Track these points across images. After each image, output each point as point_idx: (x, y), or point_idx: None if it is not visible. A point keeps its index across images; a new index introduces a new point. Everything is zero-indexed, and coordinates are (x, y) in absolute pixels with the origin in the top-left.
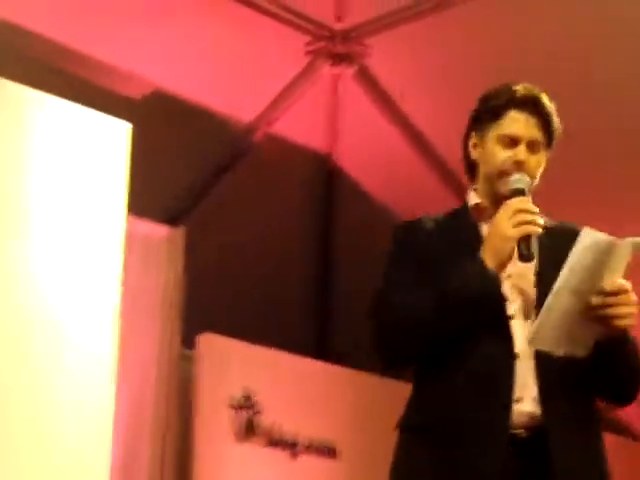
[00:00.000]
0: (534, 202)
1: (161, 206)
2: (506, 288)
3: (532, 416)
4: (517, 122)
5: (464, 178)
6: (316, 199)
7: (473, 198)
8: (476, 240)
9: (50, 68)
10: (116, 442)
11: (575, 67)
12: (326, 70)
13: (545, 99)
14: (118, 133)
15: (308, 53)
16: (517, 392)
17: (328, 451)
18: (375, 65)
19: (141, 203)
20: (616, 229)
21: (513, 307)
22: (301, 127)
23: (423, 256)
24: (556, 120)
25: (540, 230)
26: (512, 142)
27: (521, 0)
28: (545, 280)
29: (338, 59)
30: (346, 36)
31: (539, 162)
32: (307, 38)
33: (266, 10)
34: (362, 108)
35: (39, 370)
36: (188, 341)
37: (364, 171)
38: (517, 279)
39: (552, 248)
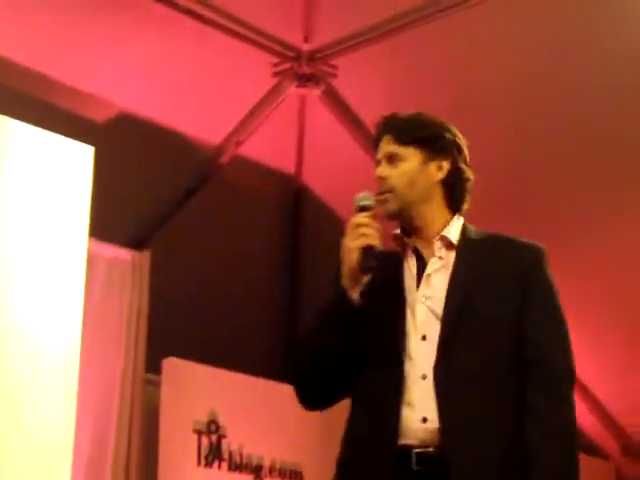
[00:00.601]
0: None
1: (127, 230)
2: (421, 311)
3: (437, 434)
4: (378, 147)
5: None
6: (284, 220)
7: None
8: (393, 282)
9: (12, 91)
10: (79, 467)
11: (535, 84)
12: (293, 91)
13: (399, 115)
14: (81, 156)
15: (275, 74)
16: (424, 412)
17: (294, 475)
18: (342, 85)
19: (106, 227)
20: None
21: (426, 329)
22: (268, 148)
23: None
24: (421, 126)
25: (376, 243)
26: (378, 164)
27: (486, 19)
28: (454, 299)
29: (305, 80)
30: (312, 57)
31: (404, 171)
32: (274, 59)
33: (233, 31)
34: (329, 128)
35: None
36: (153, 365)
37: (331, 191)
38: (432, 301)
39: (468, 264)
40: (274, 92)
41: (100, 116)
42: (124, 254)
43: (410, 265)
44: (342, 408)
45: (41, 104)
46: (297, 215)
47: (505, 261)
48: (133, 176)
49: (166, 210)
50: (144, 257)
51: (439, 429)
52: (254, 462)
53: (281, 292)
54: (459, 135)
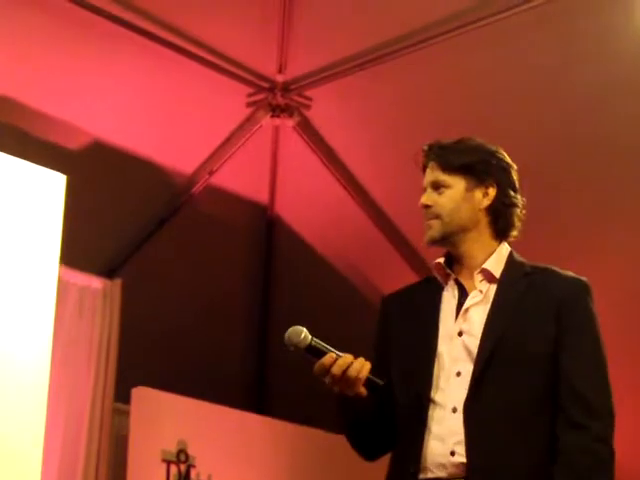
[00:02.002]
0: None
1: (98, 258)
2: (456, 347)
3: (464, 467)
4: (424, 175)
5: (404, 229)
6: (256, 250)
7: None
8: (431, 311)
9: None
10: None
11: (517, 115)
12: (267, 121)
13: (443, 142)
14: (53, 184)
15: (249, 104)
16: (452, 446)
17: None
18: (315, 116)
19: (78, 255)
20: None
21: (460, 365)
22: (242, 178)
23: (388, 340)
24: (465, 153)
25: (359, 383)
26: (424, 192)
27: (460, 52)
28: (489, 336)
29: (279, 110)
30: (287, 88)
31: (450, 197)
32: (248, 89)
33: (208, 61)
34: (302, 159)
35: None
36: (122, 395)
37: (304, 222)
38: (468, 336)
39: (507, 299)
40: (248, 122)
41: (73, 144)
42: (95, 282)
43: (451, 296)
44: (309, 438)
45: (14, 131)
46: (269, 245)
47: (543, 294)
48: (105, 204)
49: (138, 239)
50: (115, 285)
51: (465, 464)
52: None
53: (252, 322)
54: (507, 159)
